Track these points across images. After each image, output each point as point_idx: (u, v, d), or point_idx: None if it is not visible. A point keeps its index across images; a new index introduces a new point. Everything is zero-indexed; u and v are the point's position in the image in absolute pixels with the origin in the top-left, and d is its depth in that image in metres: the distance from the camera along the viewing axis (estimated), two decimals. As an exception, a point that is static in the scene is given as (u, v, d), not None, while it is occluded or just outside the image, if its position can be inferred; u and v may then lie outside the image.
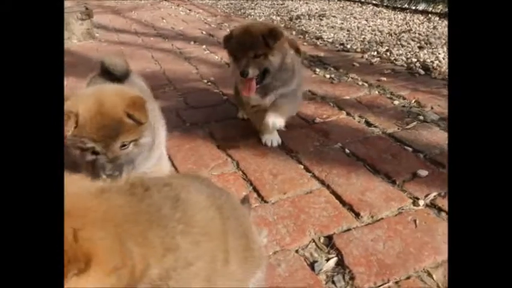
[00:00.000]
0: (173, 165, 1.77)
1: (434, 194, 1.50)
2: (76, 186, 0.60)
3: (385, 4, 5.68)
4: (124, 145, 1.22)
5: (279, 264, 1.20)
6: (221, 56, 3.63)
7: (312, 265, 1.20)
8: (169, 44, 4.27)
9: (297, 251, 1.26)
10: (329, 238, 1.30)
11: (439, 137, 1.92)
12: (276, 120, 1.74)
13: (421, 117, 2.13)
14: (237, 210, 0.88)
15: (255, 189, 1.56)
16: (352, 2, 6.17)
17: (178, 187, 0.72)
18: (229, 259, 0.74)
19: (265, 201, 1.48)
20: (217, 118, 2.24)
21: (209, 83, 2.87)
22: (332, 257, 1.22)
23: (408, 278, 1.15)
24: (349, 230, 1.33)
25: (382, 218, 1.38)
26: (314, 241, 1.30)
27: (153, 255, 0.60)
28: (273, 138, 1.89)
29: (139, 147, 1.28)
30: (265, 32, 1.70)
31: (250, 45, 1.69)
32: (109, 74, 1.50)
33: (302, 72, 2.01)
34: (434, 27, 4.18)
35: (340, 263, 1.20)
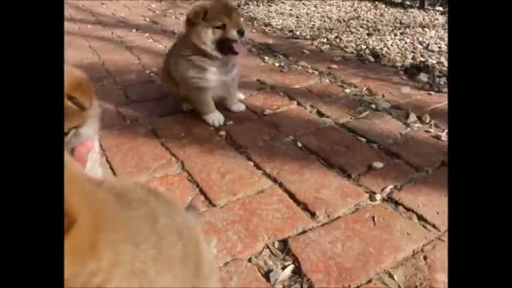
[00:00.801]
0: (111, 167, 1.59)
1: (391, 187, 1.44)
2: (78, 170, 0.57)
3: (332, -10, 5.66)
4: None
5: (231, 278, 1.08)
6: (165, 44, 3.41)
7: (266, 275, 1.09)
8: (109, 32, 3.97)
9: (249, 260, 1.14)
10: (284, 242, 1.20)
11: (391, 125, 1.88)
12: (239, 105, 2.05)
13: (373, 106, 2.08)
14: (192, 230, 0.77)
15: (202, 192, 1.42)
16: (300, -12, 6.10)
17: (156, 207, 0.66)
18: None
19: (213, 205, 1.35)
20: (161, 113, 2.06)
21: (152, 74, 2.67)
22: (288, 264, 1.12)
23: (369, 281, 1.07)
24: (305, 232, 1.24)
25: (339, 217, 1.30)
26: (268, 247, 1.19)
27: (116, 270, 0.52)
28: (218, 117, 1.92)
29: (80, 137, 1.12)
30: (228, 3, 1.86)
31: (233, 10, 1.80)
32: None
33: None
34: (381, 15, 4.20)
35: (297, 271, 1.10)
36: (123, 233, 0.56)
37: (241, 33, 1.75)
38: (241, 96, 2.17)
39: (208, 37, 1.76)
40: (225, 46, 1.78)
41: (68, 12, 4.94)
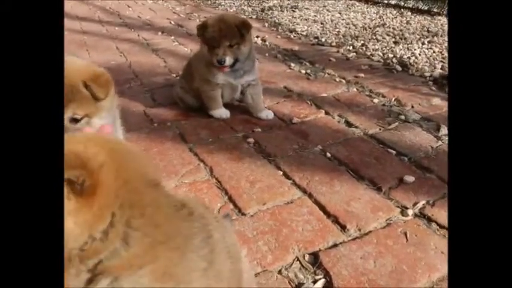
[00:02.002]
0: (139, 171, 1.60)
1: (423, 202, 1.40)
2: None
3: (357, -3, 5.62)
4: (75, 119, 1.12)
5: (261, 289, 1.07)
6: (191, 48, 3.44)
7: (297, 288, 1.07)
8: (136, 34, 4.03)
9: (280, 272, 1.13)
10: (315, 256, 1.18)
11: (422, 138, 1.84)
12: (268, 113, 2.04)
13: (403, 117, 2.04)
14: (237, 248, 0.78)
15: (231, 200, 1.41)
16: (324, -6, 6.07)
17: (212, 223, 0.66)
18: None
19: (243, 214, 1.34)
20: (188, 116, 2.07)
21: (178, 77, 2.68)
22: (319, 278, 1.10)
23: (403, 301, 1.04)
24: (335, 245, 1.21)
25: (370, 231, 1.27)
26: (298, 259, 1.17)
27: (144, 262, 0.53)
28: (225, 112, 2.04)
29: (92, 128, 1.14)
30: (238, 23, 1.87)
31: (226, 34, 1.84)
32: None
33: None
34: (408, 22, 4.14)
35: (329, 286, 1.08)
36: (163, 234, 0.56)
37: (218, 62, 1.85)
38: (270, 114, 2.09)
39: (205, 53, 1.92)
40: None
41: (96, 14, 5.04)
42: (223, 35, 1.84)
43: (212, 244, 0.61)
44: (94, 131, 1.17)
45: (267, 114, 2.04)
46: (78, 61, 1.23)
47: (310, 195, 1.44)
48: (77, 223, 0.49)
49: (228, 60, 1.85)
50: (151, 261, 0.51)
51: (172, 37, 3.84)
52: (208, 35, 1.87)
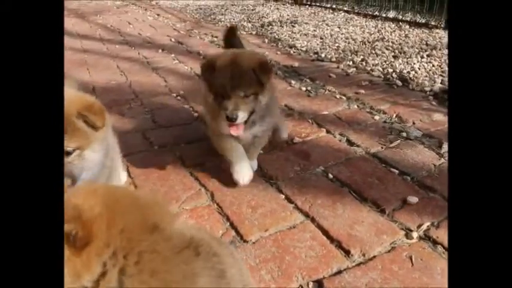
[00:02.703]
0: (140, 196, 1.58)
1: (427, 224, 1.39)
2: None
3: (356, 11, 5.66)
4: (67, 152, 1.08)
5: (264, 321, 1.05)
6: (191, 66, 3.45)
7: (301, 319, 1.05)
8: (136, 52, 4.05)
9: (283, 302, 1.11)
10: (319, 283, 1.16)
11: (424, 156, 1.82)
12: (254, 166, 1.69)
13: (404, 134, 2.03)
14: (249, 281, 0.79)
15: (233, 226, 1.39)
16: (323, 9, 6.12)
17: (226, 260, 0.65)
18: None
19: (245, 241, 1.32)
20: (188, 139, 2.06)
21: (179, 98, 2.69)
22: (324, 308, 1.08)
23: (410, 331, 1.02)
24: (340, 272, 1.20)
25: (374, 256, 1.25)
26: (302, 287, 1.15)
27: None
28: (245, 172, 1.57)
29: (83, 161, 1.12)
30: (256, 66, 1.42)
31: (240, 84, 1.39)
32: None
33: (277, 107, 1.81)
34: (406, 36, 4.16)
35: (334, 316, 1.06)
36: (160, 281, 0.56)
37: (230, 118, 1.39)
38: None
39: (210, 102, 1.51)
40: None
41: (97, 32, 5.08)
42: (236, 84, 1.38)
43: (226, 283, 0.60)
44: (86, 163, 1.15)
45: (253, 166, 1.68)
46: (67, 90, 1.13)
47: (312, 220, 1.42)
48: (68, 273, 0.51)
49: (241, 117, 1.39)
50: None
51: (173, 55, 3.86)
52: (217, 80, 1.41)
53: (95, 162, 1.18)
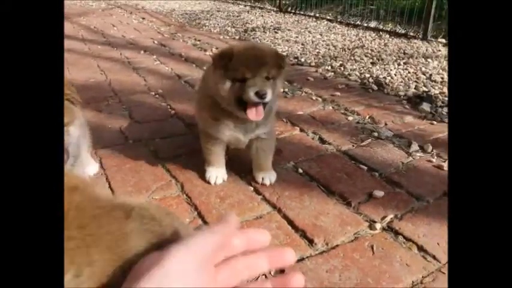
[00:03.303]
0: (110, 187, 1.59)
1: (391, 216, 1.42)
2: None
3: (338, 20, 5.77)
4: None
5: (224, 304, 1.06)
6: (172, 67, 3.47)
7: (261, 303, 1.07)
8: (118, 52, 4.05)
9: (245, 286, 1.12)
10: (281, 270, 1.18)
11: (393, 154, 1.87)
12: (270, 177, 1.63)
13: (376, 134, 2.08)
14: None
15: (200, 215, 1.41)
16: (307, 17, 6.23)
17: (168, 222, 0.61)
18: None
19: (211, 229, 1.34)
20: (164, 134, 2.08)
21: (157, 96, 2.70)
22: (283, 293, 1.10)
23: (366, 313, 1.05)
24: (302, 259, 1.22)
25: (337, 245, 1.28)
26: (264, 274, 1.17)
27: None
28: (217, 175, 1.63)
29: (69, 137, 1.19)
30: (275, 52, 1.49)
31: (264, 62, 1.40)
32: None
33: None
34: (385, 44, 4.26)
35: (293, 300, 1.08)
36: (90, 235, 0.53)
37: (259, 96, 1.36)
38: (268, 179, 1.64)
39: (225, 89, 1.41)
40: (243, 104, 1.42)
41: (79, 33, 5.06)
42: (262, 63, 1.39)
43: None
44: (70, 140, 1.18)
45: (264, 177, 1.63)
46: None
47: (279, 210, 1.45)
48: None
49: (269, 95, 1.37)
50: (88, 264, 0.51)
51: (155, 56, 3.88)
52: (238, 64, 1.39)
53: (75, 140, 1.21)
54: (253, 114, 1.40)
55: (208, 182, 1.62)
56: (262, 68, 1.38)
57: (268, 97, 1.37)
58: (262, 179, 1.62)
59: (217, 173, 1.63)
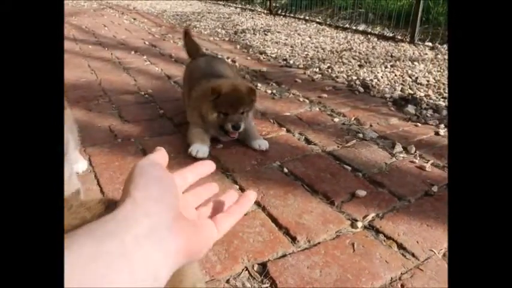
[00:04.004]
0: (98, 184, 1.61)
1: (373, 215, 1.46)
2: None
3: (328, 23, 5.83)
4: None
5: (207, 298, 1.09)
6: (162, 67, 3.49)
7: (243, 297, 1.10)
8: (109, 53, 4.06)
9: (227, 281, 1.15)
10: (263, 265, 1.21)
11: (377, 155, 1.92)
12: (260, 143, 1.95)
13: (361, 135, 2.13)
14: None
15: (186, 213, 1.44)
16: (297, 19, 6.28)
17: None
18: None
19: (197, 226, 1.36)
20: (152, 133, 2.10)
21: (146, 96, 2.72)
22: (266, 287, 1.13)
23: (344, 308, 1.08)
24: (284, 256, 1.25)
25: (319, 243, 1.32)
26: (247, 269, 1.20)
27: None
28: (202, 149, 1.84)
29: None
30: (248, 91, 1.92)
31: (241, 102, 1.88)
32: None
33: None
34: (373, 47, 4.32)
35: (274, 294, 1.11)
36: None
37: (235, 128, 1.86)
38: (264, 145, 1.97)
39: (213, 117, 1.90)
40: (223, 128, 1.90)
41: (71, 32, 5.05)
42: (240, 103, 1.88)
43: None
44: None
45: (260, 144, 1.94)
46: None
47: (263, 208, 1.48)
48: None
49: (242, 126, 1.88)
50: None
51: (145, 56, 3.89)
52: (223, 102, 1.87)
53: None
54: (230, 136, 1.92)
55: (190, 154, 1.82)
56: (239, 107, 1.87)
57: (241, 128, 1.87)
58: (259, 145, 1.94)
59: (199, 147, 1.84)
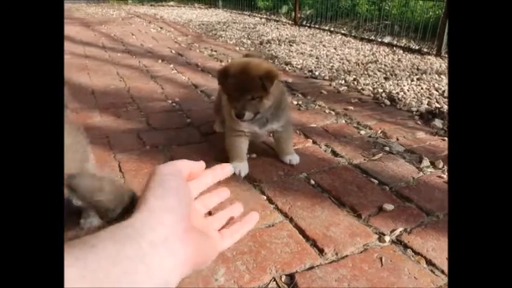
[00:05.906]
0: (128, 191, 1.65)
1: (400, 229, 1.45)
2: None
3: (353, 34, 5.83)
4: None
5: (235, 307, 1.10)
6: (188, 76, 3.56)
7: (271, 308, 1.11)
8: (137, 61, 4.16)
9: (256, 291, 1.16)
10: (291, 277, 1.22)
11: (404, 169, 1.90)
12: (292, 158, 1.91)
13: (387, 149, 2.11)
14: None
15: (215, 221, 1.46)
16: (321, 30, 6.30)
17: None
18: None
19: (225, 235, 1.38)
20: (180, 142, 2.14)
21: (174, 104, 2.78)
22: (293, 299, 1.14)
23: (373, 323, 1.08)
24: (312, 268, 1.26)
25: (346, 255, 1.32)
26: (275, 280, 1.21)
27: None
28: (241, 168, 1.81)
29: None
30: (262, 74, 1.64)
31: (248, 87, 1.64)
32: None
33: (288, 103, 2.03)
34: (399, 60, 4.29)
35: (302, 306, 1.12)
36: None
37: (238, 116, 1.66)
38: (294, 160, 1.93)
39: (224, 100, 1.83)
40: None
41: (100, 41, 5.21)
42: (245, 89, 1.64)
43: None
44: None
45: (290, 159, 1.90)
46: None
47: (291, 220, 1.49)
48: None
49: (247, 116, 1.66)
50: None
51: (172, 65, 3.97)
52: (229, 85, 1.68)
53: None
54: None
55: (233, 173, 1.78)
56: (245, 93, 1.64)
57: (247, 117, 1.66)
58: (289, 160, 1.90)
59: (241, 167, 1.81)
